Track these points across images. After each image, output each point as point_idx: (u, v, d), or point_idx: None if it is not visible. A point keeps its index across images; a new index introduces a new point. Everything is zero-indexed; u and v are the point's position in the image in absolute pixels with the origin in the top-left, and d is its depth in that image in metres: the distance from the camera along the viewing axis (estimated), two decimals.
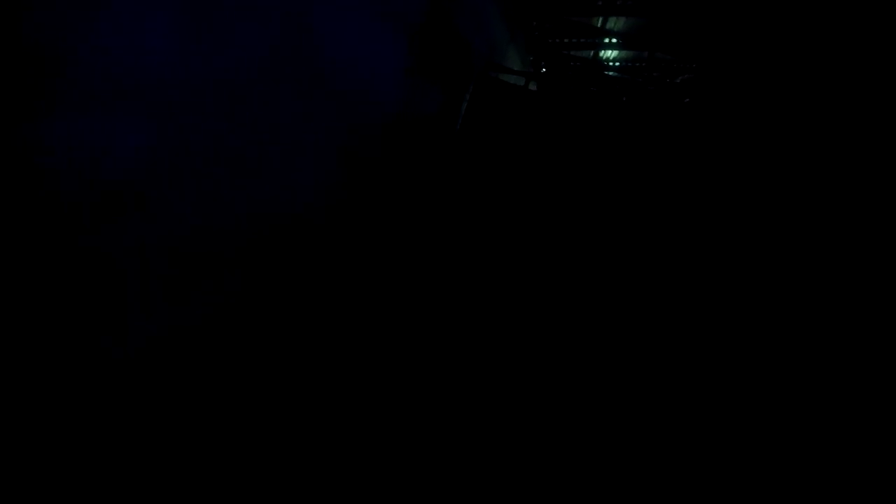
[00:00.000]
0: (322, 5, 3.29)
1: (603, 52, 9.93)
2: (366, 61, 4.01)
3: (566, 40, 9.54)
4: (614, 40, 8.98)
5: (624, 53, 9.74)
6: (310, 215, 3.93)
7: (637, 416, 3.77)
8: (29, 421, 2.14)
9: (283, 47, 3.07)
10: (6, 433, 2.06)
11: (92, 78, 2.04)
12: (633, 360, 4.35)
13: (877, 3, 3.72)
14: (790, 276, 4.03)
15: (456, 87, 6.07)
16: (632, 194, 4.97)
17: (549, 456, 3.19)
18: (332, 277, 4.41)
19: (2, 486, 2.01)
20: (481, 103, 6.04)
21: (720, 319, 4.19)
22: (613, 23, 8.51)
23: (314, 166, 3.78)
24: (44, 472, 2.16)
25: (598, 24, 8.72)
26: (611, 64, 10.06)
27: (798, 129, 4.13)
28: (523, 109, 5.77)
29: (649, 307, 4.51)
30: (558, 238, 5.11)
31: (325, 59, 3.49)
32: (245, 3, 2.71)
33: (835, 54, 3.95)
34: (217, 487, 2.37)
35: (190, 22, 2.44)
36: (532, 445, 3.25)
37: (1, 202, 1.84)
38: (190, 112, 2.57)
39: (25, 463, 2.12)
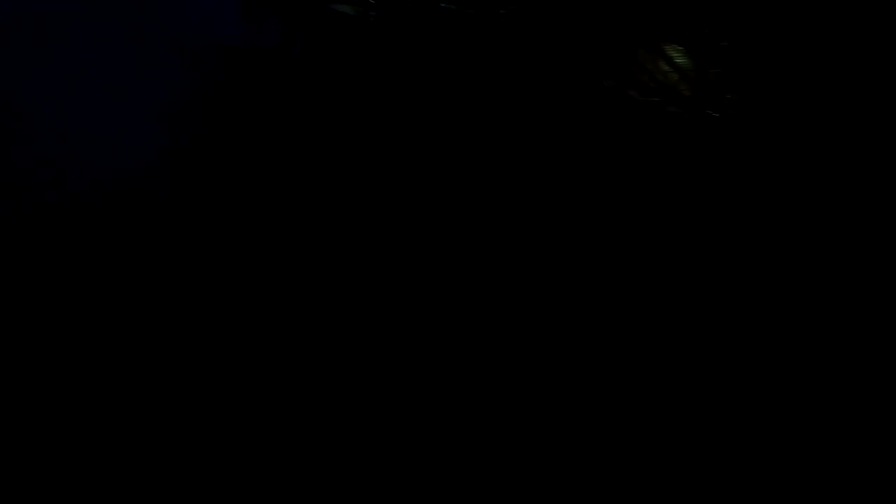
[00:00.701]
0: None
1: None
2: None
3: None
4: None
5: None
6: (150, 185, 3.40)
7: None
8: None
9: None
10: None
11: None
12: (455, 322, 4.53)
13: None
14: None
15: (293, 19, 5.63)
16: (475, 129, 5.20)
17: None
18: (181, 263, 3.84)
19: None
20: (318, 37, 5.72)
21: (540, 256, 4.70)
22: None
23: (154, 123, 3.28)
24: None
25: None
26: None
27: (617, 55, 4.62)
28: (360, 41, 5.61)
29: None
30: (407, 183, 5.14)
31: None
32: None
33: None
34: None
35: None
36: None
37: None
38: None
39: None
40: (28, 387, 2.47)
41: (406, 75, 5.36)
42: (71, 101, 2.66)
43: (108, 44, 2.74)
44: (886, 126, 3.98)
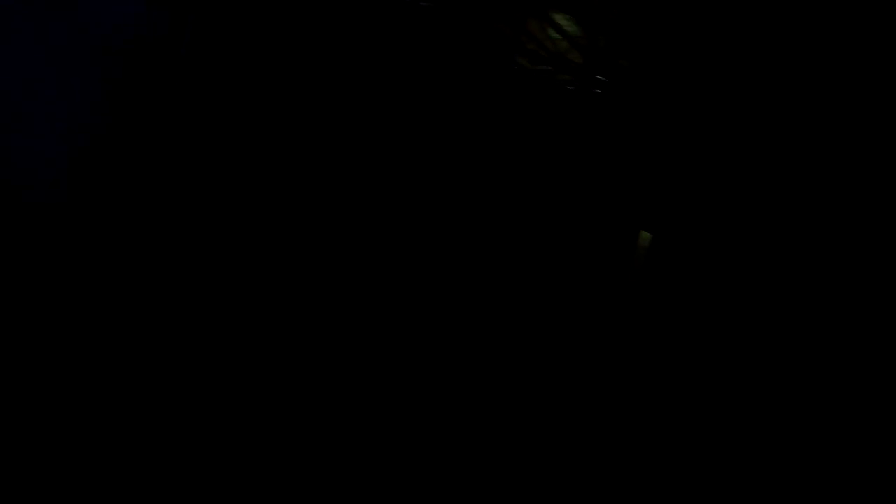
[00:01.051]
0: None
1: None
2: None
3: None
4: None
5: None
6: (53, 188, 3.12)
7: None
8: None
9: None
10: None
11: None
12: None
13: None
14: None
15: (181, 3, 5.03)
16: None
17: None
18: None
19: None
20: (213, 23, 5.06)
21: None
22: None
23: (57, 121, 2.98)
24: None
25: None
26: None
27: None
28: (259, 25, 4.86)
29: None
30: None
31: None
32: None
33: None
34: None
35: None
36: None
37: None
38: None
39: None
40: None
41: (295, 57, 4.88)
42: None
43: (14, 37, 2.58)
44: (780, 91, 3.73)
